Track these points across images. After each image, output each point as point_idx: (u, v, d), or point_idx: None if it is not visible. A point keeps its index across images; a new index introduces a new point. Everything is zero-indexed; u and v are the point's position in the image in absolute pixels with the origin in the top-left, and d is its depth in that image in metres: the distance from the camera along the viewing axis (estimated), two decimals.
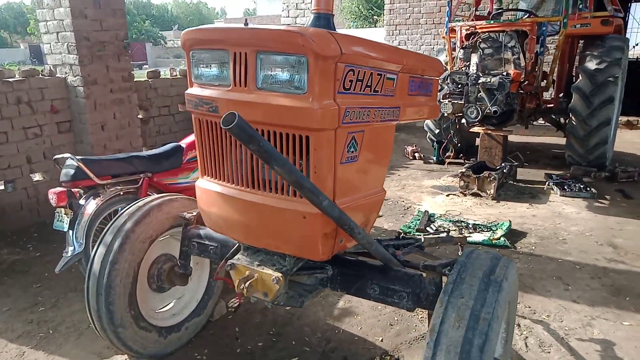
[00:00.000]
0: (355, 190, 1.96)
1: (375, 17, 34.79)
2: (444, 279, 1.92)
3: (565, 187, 5.27)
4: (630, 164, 6.28)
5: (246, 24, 1.73)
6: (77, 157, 3.09)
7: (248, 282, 1.96)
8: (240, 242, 2.14)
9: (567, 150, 5.94)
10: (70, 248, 3.08)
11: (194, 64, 1.89)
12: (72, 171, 3.09)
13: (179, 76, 5.86)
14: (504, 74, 5.05)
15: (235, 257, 2.12)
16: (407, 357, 2.64)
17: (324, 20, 1.78)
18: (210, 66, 1.84)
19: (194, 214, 2.58)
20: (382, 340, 2.80)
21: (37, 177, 4.64)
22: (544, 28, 5.36)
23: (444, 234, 2.82)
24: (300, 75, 1.64)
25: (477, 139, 6.64)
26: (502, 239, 3.96)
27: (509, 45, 5.38)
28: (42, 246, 4.14)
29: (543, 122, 7.06)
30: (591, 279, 3.44)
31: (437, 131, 6.60)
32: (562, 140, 7.30)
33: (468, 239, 3.84)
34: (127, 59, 4.84)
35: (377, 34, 14.81)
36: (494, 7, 7.01)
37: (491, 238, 3.96)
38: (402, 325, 2.92)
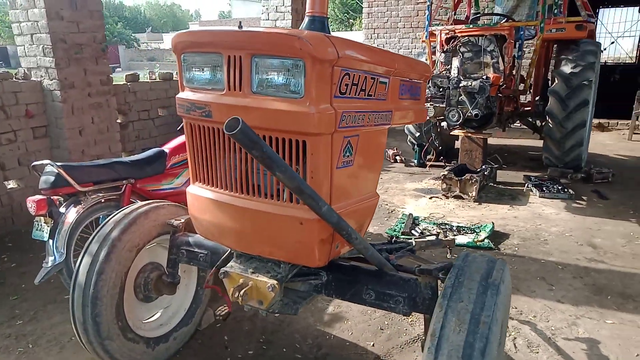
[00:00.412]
0: (350, 195, 1.95)
1: (351, 20, 35.02)
2: (439, 282, 1.93)
3: (544, 189, 5.38)
4: (604, 165, 6.46)
5: (240, 26, 1.70)
6: (57, 164, 2.99)
7: (243, 290, 1.92)
8: (233, 250, 2.10)
9: (544, 152, 6.07)
10: (51, 258, 2.98)
11: (185, 67, 1.84)
12: (51, 178, 2.98)
13: (158, 80, 5.75)
14: (484, 77, 5.13)
15: (228, 264, 2.07)
16: None
17: (318, 23, 1.77)
18: (203, 70, 1.80)
19: (182, 221, 2.52)
20: (373, 345, 2.79)
21: (11, 184, 4.47)
22: (522, 32, 5.47)
23: (433, 238, 2.83)
24: (297, 79, 1.62)
25: (456, 141, 6.73)
26: (486, 240, 4.01)
27: (488, 49, 5.48)
28: (18, 256, 3.99)
29: (519, 125, 7.21)
30: (573, 279, 3.51)
31: (417, 134, 6.66)
32: (538, 143, 7.48)
33: None
34: (105, 62, 4.73)
35: (355, 37, 14.91)
36: (471, 11, 7.13)
37: (475, 240, 4.01)
38: (392, 330, 2.92)
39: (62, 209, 3.06)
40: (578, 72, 5.50)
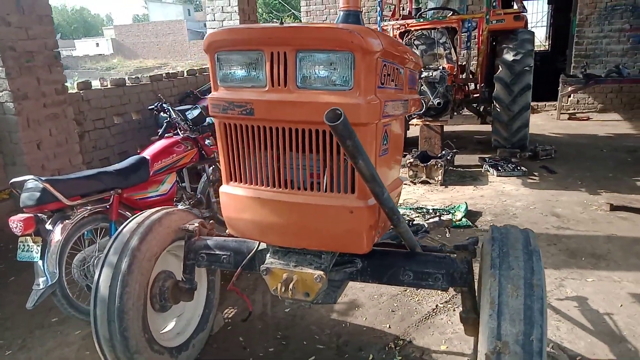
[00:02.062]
0: (387, 181, 2.02)
1: (275, 20, 35.12)
2: None
3: (500, 168, 5.77)
4: (543, 143, 7.01)
5: (282, 22, 1.71)
6: (42, 178, 2.80)
7: (291, 284, 1.94)
8: (271, 246, 2.10)
9: (493, 135, 6.50)
10: (42, 279, 2.78)
11: (220, 66, 1.82)
12: (36, 194, 2.78)
13: (110, 86, 5.48)
14: (441, 68, 5.41)
15: (267, 261, 2.08)
16: (418, 339, 2.76)
17: (353, 17, 1.82)
18: (241, 67, 1.79)
19: (197, 225, 2.47)
20: (389, 327, 2.89)
21: None
22: (469, 24, 5.82)
23: (436, 219, 2.98)
24: (345, 71, 1.67)
25: (407, 131, 7.00)
26: (463, 219, 4.25)
27: (441, 41, 5.77)
28: None
29: (463, 111, 7.65)
30: (548, 246, 3.82)
31: None
32: (481, 127, 7.98)
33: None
34: (58, 70, 4.43)
35: None
36: (413, 6, 7.45)
37: (454, 220, 4.23)
38: (403, 310, 3.03)
39: (49, 226, 2.87)
40: (519, 59, 5.94)
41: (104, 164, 5.16)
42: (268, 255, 2.16)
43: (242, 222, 2.01)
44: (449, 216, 4.36)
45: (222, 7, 7.03)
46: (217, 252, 2.39)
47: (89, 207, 3.00)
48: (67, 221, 2.89)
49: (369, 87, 1.69)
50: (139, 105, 5.71)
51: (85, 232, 3.09)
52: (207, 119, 4.01)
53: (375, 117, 1.73)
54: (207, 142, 3.98)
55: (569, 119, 9.07)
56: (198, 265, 2.46)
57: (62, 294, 2.85)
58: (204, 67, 7.36)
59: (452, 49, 5.88)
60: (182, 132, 3.80)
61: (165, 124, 3.74)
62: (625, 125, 8.48)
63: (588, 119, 9.02)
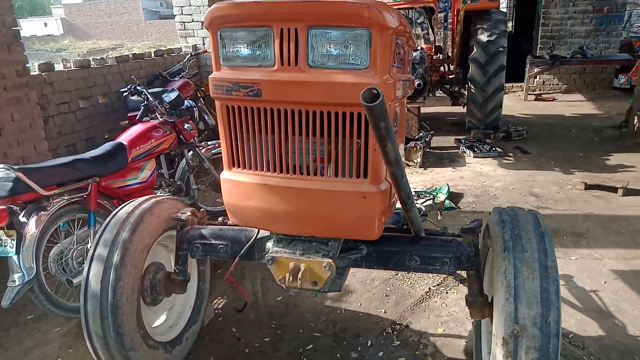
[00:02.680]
0: None
1: None
2: None
3: (476, 149, 5.84)
4: (514, 123, 7.14)
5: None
6: (15, 167, 2.58)
7: (300, 273, 1.86)
8: (276, 234, 2.01)
9: (468, 116, 6.56)
10: (17, 275, 2.59)
11: (223, 44, 1.69)
12: (9, 184, 2.57)
13: (74, 68, 5.14)
14: (420, 48, 5.37)
15: (273, 250, 1.99)
16: (414, 323, 2.75)
17: None
18: (247, 45, 1.66)
19: (189, 213, 2.35)
20: (384, 312, 2.87)
21: None
22: (445, 4, 5.80)
23: (430, 202, 2.96)
24: (361, 49, 1.58)
25: None
26: (447, 201, 4.27)
27: (419, 21, 5.73)
28: None
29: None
30: None
31: None
32: (452, 109, 8.04)
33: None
34: (19, 50, 4.10)
35: None
36: None
37: (437, 202, 4.25)
38: (397, 295, 3.02)
39: (23, 218, 2.66)
40: (494, 40, 5.99)
41: (70, 150, 4.87)
42: (271, 243, 2.07)
43: (246, 209, 1.91)
44: (442, 198, 4.37)
45: None
46: (212, 242, 2.28)
47: (65, 197, 2.81)
48: (42, 212, 2.69)
49: (385, 65, 1.61)
50: (105, 88, 5.40)
51: (61, 224, 2.90)
52: (186, 102, 3.82)
53: (390, 98, 1.66)
54: (186, 126, 3.80)
55: (535, 99, 9.28)
56: (192, 256, 2.35)
57: (40, 290, 2.67)
58: (171, 47, 7.05)
59: (430, 29, 5.85)
60: (160, 116, 3.61)
61: (142, 107, 3.54)
62: (589, 105, 8.75)
63: (553, 99, 9.26)
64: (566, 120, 7.61)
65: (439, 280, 3.15)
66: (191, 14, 6.84)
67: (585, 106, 8.70)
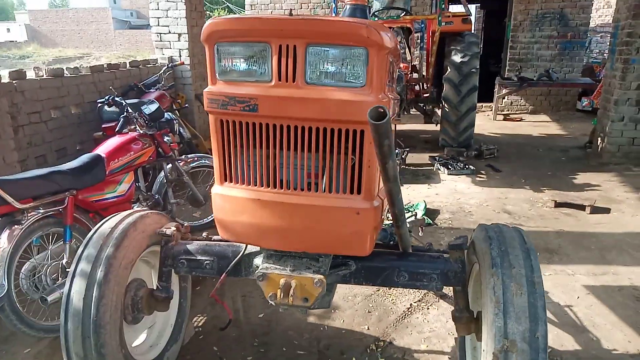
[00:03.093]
0: None
1: (208, 12, 34.13)
2: None
3: (450, 167, 5.97)
4: (485, 142, 7.35)
5: (291, 14, 1.62)
6: None
7: (291, 290, 1.85)
8: (266, 250, 1.99)
9: (442, 134, 6.71)
10: None
11: (219, 58, 1.69)
12: None
13: (47, 77, 5.00)
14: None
15: (262, 266, 1.97)
16: (397, 339, 2.76)
17: (360, 11, 1.77)
18: (244, 60, 1.67)
19: (174, 229, 2.30)
20: (368, 328, 2.87)
21: None
22: (422, 25, 5.96)
23: (412, 218, 3.00)
24: (358, 67, 1.61)
25: None
26: (424, 217, 4.34)
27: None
28: None
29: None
30: None
31: None
32: (425, 127, 8.20)
33: None
34: None
35: None
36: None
37: (419, 218, 4.31)
38: (379, 311, 3.03)
39: None
40: (467, 61, 6.18)
41: (39, 162, 4.71)
42: (260, 259, 2.05)
43: (237, 225, 1.89)
44: (408, 215, 4.43)
45: None
46: (198, 258, 2.24)
47: (41, 211, 2.71)
48: (15, 226, 2.59)
49: (380, 84, 1.65)
50: (79, 98, 5.27)
51: (35, 239, 2.78)
52: (166, 115, 3.77)
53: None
54: (166, 139, 3.74)
55: (504, 119, 9.59)
56: (177, 272, 2.30)
57: (11, 308, 2.56)
58: (147, 58, 6.96)
59: (407, 48, 6.00)
60: (140, 128, 3.54)
61: (122, 119, 3.46)
62: (554, 126, 9.11)
63: (521, 119, 9.60)
64: (534, 140, 7.89)
65: (420, 297, 3.18)
66: (168, 26, 6.79)
67: (551, 127, 9.05)
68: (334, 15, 6.19)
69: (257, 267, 2.14)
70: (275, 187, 1.79)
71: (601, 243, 3.97)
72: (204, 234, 2.48)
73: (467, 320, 2.08)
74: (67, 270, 2.80)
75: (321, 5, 10.02)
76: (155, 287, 2.37)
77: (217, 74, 1.71)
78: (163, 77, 6.23)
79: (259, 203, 1.80)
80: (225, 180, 1.85)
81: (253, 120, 1.70)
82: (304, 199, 1.77)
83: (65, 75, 5.22)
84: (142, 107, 3.65)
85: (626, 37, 5.88)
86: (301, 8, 10.20)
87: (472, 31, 6.90)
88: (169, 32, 6.84)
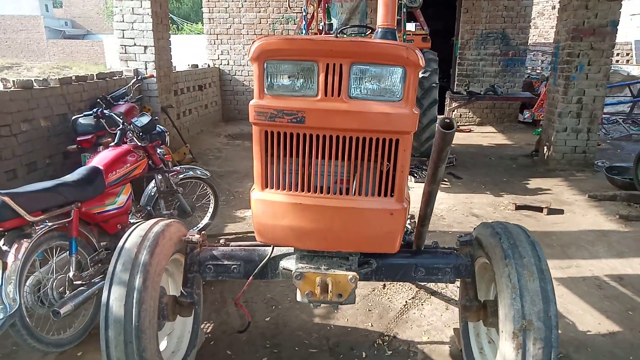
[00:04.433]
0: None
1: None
2: None
3: (416, 175, 6.33)
4: None
5: (337, 35, 1.80)
6: (2, 191, 2.45)
7: (330, 287, 2.01)
8: (299, 251, 2.14)
9: None
10: None
11: (268, 74, 1.84)
12: None
13: (15, 88, 4.84)
14: None
15: (298, 266, 2.11)
16: (400, 333, 2.97)
17: (390, 34, 1.97)
18: (292, 77, 1.83)
19: (199, 236, 2.40)
20: (371, 325, 3.05)
21: None
22: None
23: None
24: (397, 84, 1.82)
25: None
26: None
27: None
28: None
29: None
30: None
31: None
32: None
33: None
34: None
35: (197, 43, 14.43)
36: (326, 21, 7.80)
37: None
38: (379, 309, 3.23)
39: (4, 247, 2.52)
40: (428, 77, 6.60)
41: (10, 177, 4.54)
42: (287, 261, 2.20)
43: (277, 228, 2.03)
44: None
45: (133, 8, 6.63)
46: (225, 263, 2.34)
47: (48, 224, 2.69)
48: (24, 240, 2.56)
49: (413, 98, 1.86)
50: (48, 111, 5.12)
51: (39, 254, 2.75)
52: (157, 127, 3.81)
53: (415, 126, 1.91)
54: (159, 151, 3.77)
55: (455, 131, 10.18)
56: (203, 277, 2.38)
57: (22, 324, 2.52)
58: (112, 70, 6.84)
59: None
60: (138, 141, 3.55)
61: (118, 131, 3.46)
62: (500, 136, 9.80)
63: (470, 130, 10.24)
64: (485, 150, 8.47)
65: (413, 294, 3.41)
66: (133, 38, 6.73)
67: (497, 137, 9.73)
68: (303, 30, 6.42)
69: (283, 269, 2.29)
70: (315, 191, 1.95)
71: (561, 240, 4.41)
72: (222, 240, 2.57)
73: (477, 309, 2.32)
74: (74, 283, 2.79)
75: (280, 21, 10.24)
76: (173, 294, 2.43)
77: (265, 89, 1.86)
78: (132, 90, 6.17)
79: (300, 207, 1.95)
80: (266, 187, 1.99)
81: (298, 131, 1.87)
82: (343, 202, 1.94)
83: (34, 87, 5.07)
84: (134, 120, 3.67)
85: (567, 57, 6.54)
86: (260, 23, 10.36)
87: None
88: (135, 45, 6.78)
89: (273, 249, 2.30)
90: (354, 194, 1.95)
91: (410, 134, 1.90)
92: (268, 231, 2.06)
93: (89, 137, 4.77)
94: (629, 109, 10.20)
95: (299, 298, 2.16)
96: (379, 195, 1.95)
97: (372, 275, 2.30)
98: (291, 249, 2.28)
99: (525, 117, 10.21)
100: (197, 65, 9.56)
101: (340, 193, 1.96)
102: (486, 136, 9.76)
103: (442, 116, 1.46)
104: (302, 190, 1.95)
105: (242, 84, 10.74)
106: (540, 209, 5.16)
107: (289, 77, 1.83)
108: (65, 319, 2.73)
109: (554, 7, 15.65)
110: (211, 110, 10.21)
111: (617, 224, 4.84)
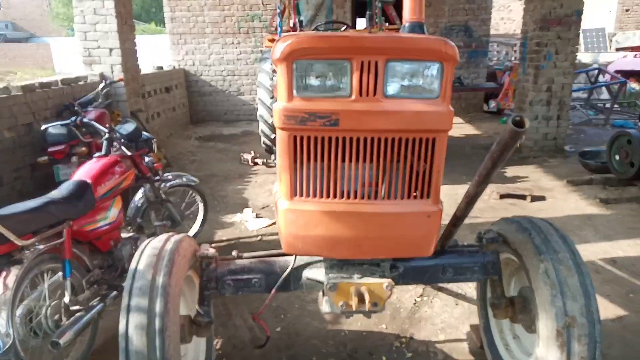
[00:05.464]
0: None
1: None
2: None
3: None
4: None
5: (370, 31, 1.70)
6: None
7: (367, 296, 1.91)
8: (328, 260, 2.04)
9: None
10: None
11: (297, 75, 1.71)
12: None
13: None
14: None
15: (330, 277, 2.01)
16: (417, 334, 2.92)
17: (419, 28, 1.88)
18: (324, 77, 1.71)
19: (214, 250, 2.25)
20: (385, 327, 2.99)
21: None
22: None
23: None
24: (433, 80, 1.74)
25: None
26: None
27: None
28: None
29: None
30: (471, 234, 4.35)
31: (273, 136, 6.84)
32: None
33: None
34: None
35: (161, 43, 13.90)
36: (296, 19, 7.66)
37: None
38: (390, 309, 3.16)
39: None
40: None
41: None
42: (312, 271, 2.10)
43: (309, 239, 1.90)
44: None
45: (95, 8, 6.26)
46: (245, 277, 2.20)
47: (40, 247, 2.45)
48: (14, 266, 2.33)
49: (449, 95, 1.78)
50: (11, 121, 4.74)
51: (26, 280, 2.51)
52: (143, 134, 3.58)
53: (451, 124, 1.83)
54: (147, 159, 3.55)
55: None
56: (222, 294, 2.23)
57: (17, 358, 2.28)
58: (78, 75, 6.43)
59: None
60: (127, 150, 3.32)
61: (105, 141, 3.20)
62: (469, 127, 9.98)
63: None
64: (458, 140, 8.59)
65: (420, 292, 3.36)
66: (97, 40, 6.36)
67: (466, 128, 9.90)
68: (279, 28, 6.23)
69: (307, 279, 2.18)
70: (349, 197, 1.84)
71: None
72: (234, 253, 2.42)
73: (505, 306, 2.28)
74: (70, 309, 2.56)
75: (245, 19, 10.00)
76: (186, 314, 2.27)
77: (294, 91, 1.73)
78: (100, 95, 5.84)
79: (334, 215, 1.84)
80: (296, 195, 1.87)
81: (332, 134, 1.75)
82: (378, 207, 1.85)
83: (11, 93, 4.71)
84: (117, 127, 3.43)
85: (535, 47, 6.69)
86: (224, 21, 10.08)
87: None
88: (98, 47, 6.41)
89: (295, 258, 2.18)
90: (389, 198, 1.86)
91: (446, 132, 1.83)
92: (298, 242, 1.93)
93: (62, 147, 4.47)
94: (587, 95, 10.61)
95: (326, 309, 2.06)
96: (415, 197, 1.87)
97: (400, 279, 2.22)
98: (314, 258, 2.17)
99: (491, 106, 10.44)
100: (162, 67, 9.20)
101: (375, 197, 1.86)
102: (455, 127, 9.86)
103: (514, 114, 1.38)
104: (335, 196, 1.84)
105: (209, 84, 10.43)
106: (523, 197, 5.26)
107: (320, 77, 1.71)
108: (62, 349, 2.51)
109: None
110: (179, 112, 9.87)
111: (599, 208, 4.99)
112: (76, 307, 2.58)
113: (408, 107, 1.73)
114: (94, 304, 2.68)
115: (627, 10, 17.84)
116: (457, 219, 2.03)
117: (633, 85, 10.80)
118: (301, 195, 1.86)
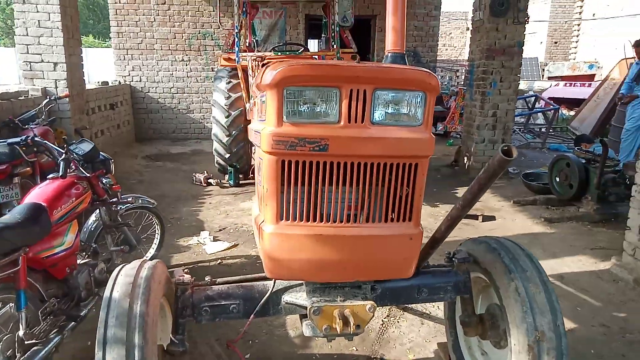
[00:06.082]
0: None
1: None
2: None
3: None
4: None
5: (358, 61, 1.75)
6: None
7: (351, 319, 1.93)
8: (311, 284, 2.03)
9: None
10: None
11: (288, 101, 1.72)
12: None
13: None
14: None
15: (312, 301, 2.00)
16: (387, 354, 2.95)
17: (400, 59, 1.96)
18: (313, 104, 1.74)
19: (189, 276, 2.18)
20: (355, 349, 3.00)
21: None
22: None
23: None
24: (417, 108, 1.82)
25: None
26: None
27: None
28: None
29: None
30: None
31: (227, 155, 6.75)
32: None
33: None
34: None
35: (106, 57, 13.34)
36: (251, 39, 7.69)
37: None
38: None
39: None
40: None
41: None
42: (300, 293, 2.09)
43: (294, 263, 1.90)
44: None
45: (39, 21, 5.98)
46: (223, 303, 2.15)
47: None
48: None
49: (431, 123, 1.87)
50: None
51: None
52: (101, 154, 3.43)
53: (432, 150, 1.91)
54: (104, 180, 3.39)
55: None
56: (198, 321, 2.16)
57: None
58: (19, 90, 6.06)
59: None
60: (84, 170, 3.16)
61: (61, 162, 3.02)
62: None
63: None
64: None
65: (387, 312, 3.41)
66: (40, 54, 6.07)
67: None
68: (237, 48, 6.20)
69: (286, 303, 2.16)
70: (335, 221, 1.86)
71: None
72: (207, 278, 2.36)
73: (476, 324, 2.37)
74: (25, 343, 2.38)
75: (196, 36, 9.89)
76: (169, 341, 2.18)
77: (284, 117, 1.74)
78: (44, 111, 5.54)
79: (320, 238, 1.85)
80: (282, 219, 1.86)
81: (319, 159, 1.77)
82: (364, 230, 1.88)
83: None
84: (72, 147, 3.26)
85: (482, 74, 7.11)
86: (174, 38, 9.92)
87: None
88: (42, 61, 6.11)
89: (275, 283, 2.16)
90: (374, 221, 1.90)
91: (428, 158, 1.90)
92: (283, 267, 1.92)
93: (3, 167, 4.16)
94: (525, 120, 11.35)
95: (308, 333, 2.05)
96: (398, 220, 1.92)
97: (378, 300, 2.24)
98: (294, 282, 2.16)
99: (438, 129, 10.90)
100: (107, 82, 8.87)
101: (360, 221, 1.89)
102: None
103: (502, 143, 1.47)
104: (321, 220, 1.85)
105: (157, 101, 10.17)
106: (475, 217, 5.50)
107: (310, 104, 1.74)
108: None
109: (468, 29, 17.07)
110: (124, 130, 9.51)
111: (544, 227, 5.32)
112: (32, 341, 2.40)
113: (394, 133, 1.79)
114: (51, 337, 2.50)
115: (555, 42, 19.39)
116: (436, 240, 2.11)
117: (564, 111, 11.70)
118: (287, 219, 1.86)
